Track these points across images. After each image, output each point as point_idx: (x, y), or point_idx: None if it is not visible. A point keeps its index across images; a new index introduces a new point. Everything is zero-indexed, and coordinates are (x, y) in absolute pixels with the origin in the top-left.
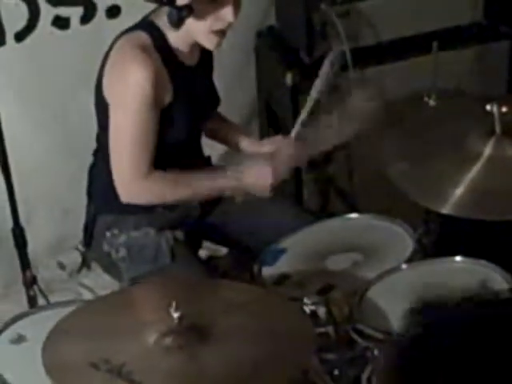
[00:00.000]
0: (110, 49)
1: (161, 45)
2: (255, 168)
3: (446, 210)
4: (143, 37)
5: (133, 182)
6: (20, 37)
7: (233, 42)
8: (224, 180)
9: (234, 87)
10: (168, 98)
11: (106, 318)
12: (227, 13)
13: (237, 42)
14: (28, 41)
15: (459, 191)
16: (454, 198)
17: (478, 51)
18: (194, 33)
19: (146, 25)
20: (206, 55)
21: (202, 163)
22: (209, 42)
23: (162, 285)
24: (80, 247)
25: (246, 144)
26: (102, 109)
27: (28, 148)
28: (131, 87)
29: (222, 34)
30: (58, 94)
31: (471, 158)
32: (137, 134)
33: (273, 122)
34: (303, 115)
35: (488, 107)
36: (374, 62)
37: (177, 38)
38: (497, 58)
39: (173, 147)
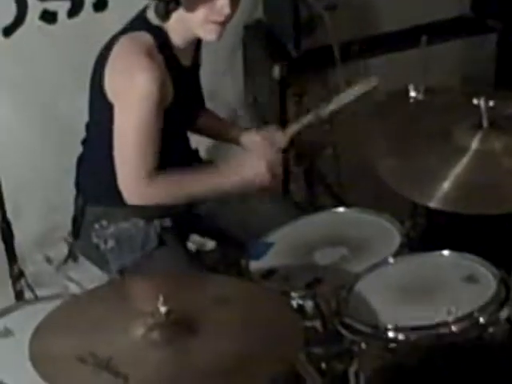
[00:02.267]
0: (109, 47)
1: (163, 45)
2: (250, 161)
3: (433, 203)
4: (146, 37)
5: (138, 185)
6: (8, 31)
7: None
8: (225, 179)
9: (222, 80)
10: (169, 98)
11: (93, 312)
12: (223, 5)
13: (224, 35)
14: (16, 35)
15: (446, 185)
16: (441, 192)
17: (465, 44)
18: (192, 27)
19: (147, 24)
20: (197, 55)
21: (191, 157)
22: (208, 33)
23: (149, 279)
24: (68, 238)
25: (240, 135)
26: (100, 105)
27: (15, 141)
28: (137, 92)
29: (221, 24)
30: (46, 87)
31: (458, 151)
32: (142, 138)
33: (260, 115)
34: (304, 122)
35: (475, 101)
36: (362, 56)
37: (177, 36)
38: (484, 51)
39: (165, 144)
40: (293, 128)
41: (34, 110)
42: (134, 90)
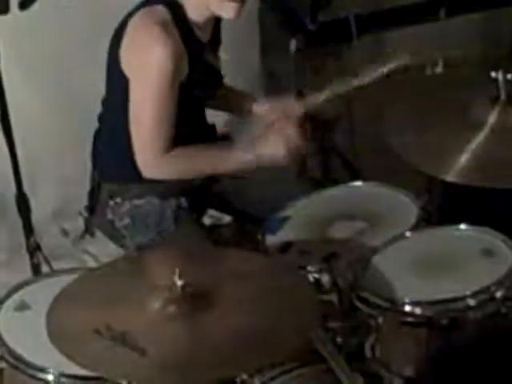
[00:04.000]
0: (125, 22)
1: (179, 20)
2: (267, 139)
3: (450, 177)
4: (162, 12)
5: (155, 158)
6: (24, 5)
7: None
8: (241, 156)
9: (238, 54)
10: (184, 73)
11: (109, 286)
12: None
13: None
14: (32, 9)
15: (463, 159)
16: (459, 166)
17: (483, 17)
18: (210, 4)
19: None
20: (216, 31)
21: (208, 132)
22: (226, 11)
23: (165, 252)
24: (83, 212)
25: (254, 106)
26: (117, 81)
27: (31, 115)
28: (154, 66)
29: (239, 2)
30: (61, 60)
31: (476, 125)
32: (159, 112)
33: (277, 88)
34: (326, 95)
35: (493, 74)
36: (380, 29)
37: (195, 12)
38: (503, 23)
39: (182, 119)
40: (310, 100)
41: (47, 85)
42: (149, 65)
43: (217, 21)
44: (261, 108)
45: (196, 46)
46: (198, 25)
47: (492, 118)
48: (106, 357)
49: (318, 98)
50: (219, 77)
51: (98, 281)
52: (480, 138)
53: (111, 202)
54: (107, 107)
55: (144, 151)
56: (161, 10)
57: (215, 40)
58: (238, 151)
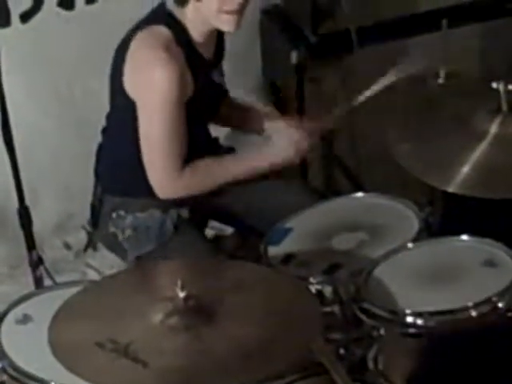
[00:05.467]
0: (127, 41)
1: (182, 39)
2: (278, 144)
3: (452, 188)
4: (164, 32)
5: (169, 180)
6: (25, 18)
7: None
8: (256, 156)
9: (239, 66)
10: (190, 92)
11: (111, 298)
12: None
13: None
14: (33, 22)
15: (465, 169)
16: (461, 177)
17: (486, 28)
18: (208, 18)
19: (166, 17)
20: (219, 47)
21: (212, 145)
22: (223, 24)
23: (167, 264)
24: (87, 226)
25: (265, 124)
26: (121, 99)
27: (33, 128)
28: (157, 89)
29: (237, 13)
30: (63, 74)
31: (477, 136)
32: (169, 136)
33: (278, 101)
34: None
35: (494, 85)
36: (382, 41)
37: (196, 29)
38: (505, 34)
39: (188, 135)
40: (324, 121)
41: (50, 97)
42: (154, 89)
43: (219, 37)
44: (271, 125)
45: (200, 64)
46: (200, 42)
47: (493, 129)
48: (108, 369)
49: (330, 120)
50: (224, 92)
51: (100, 293)
52: (482, 148)
53: (114, 215)
54: (111, 122)
55: (157, 175)
56: (162, 29)
57: (219, 56)
58: (248, 161)
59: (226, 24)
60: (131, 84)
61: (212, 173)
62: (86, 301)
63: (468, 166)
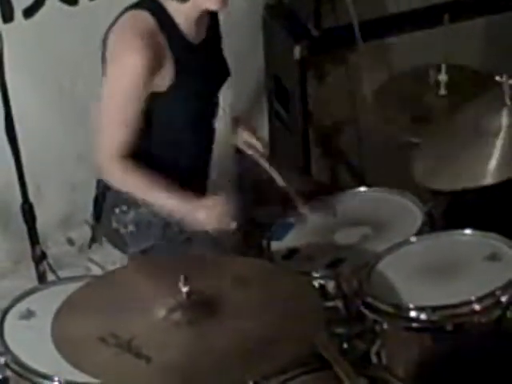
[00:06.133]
0: (114, 22)
1: (166, 25)
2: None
3: (487, 181)
4: (147, 19)
5: (103, 159)
6: (29, 13)
7: (241, 15)
8: (178, 203)
9: (243, 61)
10: (167, 80)
11: (114, 293)
12: None
13: (245, 15)
14: (36, 17)
15: (494, 162)
16: (490, 170)
17: (488, 22)
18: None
19: (150, 2)
20: (212, 30)
21: (209, 135)
22: (210, 2)
23: (170, 260)
24: (90, 221)
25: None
26: None
27: (36, 123)
28: (124, 75)
29: None
30: (65, 69)
31: (493, 133)
32: (119, 115)
33: (281, 95)
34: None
35: (498, 78)
36: (383, 35)
37: (181, 14)
38: (507, 28)
39: (180, 130)
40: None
41: (53, 92)
42: (121, 72)
43: (212, 18)
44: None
45: (186, 48)
46: (188, 27)
47: (504, 121)
48: (111, 364)
49: None
50: (224, 70)
51: (103, 288)
52: (500, 143)
53: (116, 210)
54: None
55: (98, 150)
56: (146, 17)
57: (212, 39)
58: (177, 202)
59: (211, 3)
60: (107, 62)
61: (137, 185)
62: (89, 296)
63: (495, 160)
